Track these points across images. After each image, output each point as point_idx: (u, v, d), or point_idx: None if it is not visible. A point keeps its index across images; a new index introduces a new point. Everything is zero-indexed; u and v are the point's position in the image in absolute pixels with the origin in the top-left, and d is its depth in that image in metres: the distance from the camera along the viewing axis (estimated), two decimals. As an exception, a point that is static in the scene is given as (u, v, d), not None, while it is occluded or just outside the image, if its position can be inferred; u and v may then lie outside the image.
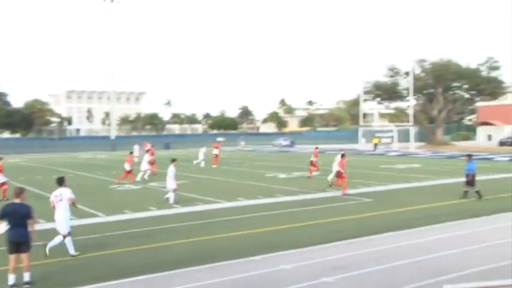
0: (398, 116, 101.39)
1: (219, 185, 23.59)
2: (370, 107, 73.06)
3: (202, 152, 36.21)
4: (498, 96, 62.84)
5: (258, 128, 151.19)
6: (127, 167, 24.93)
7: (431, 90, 64.76)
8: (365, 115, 70.48)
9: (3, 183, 19.51)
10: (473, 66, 62.75)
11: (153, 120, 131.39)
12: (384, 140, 64.05)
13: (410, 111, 62.84)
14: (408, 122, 63.36)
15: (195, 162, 35.95)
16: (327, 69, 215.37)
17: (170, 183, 17.61)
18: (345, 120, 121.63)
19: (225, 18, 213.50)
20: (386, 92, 65.23)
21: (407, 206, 16.71)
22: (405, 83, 64.63)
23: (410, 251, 10.60)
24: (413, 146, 58.23)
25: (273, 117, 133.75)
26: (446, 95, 64.62)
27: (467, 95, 64.99)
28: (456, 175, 26.75)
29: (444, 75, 60.41)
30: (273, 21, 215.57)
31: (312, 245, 11.29)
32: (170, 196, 17.59)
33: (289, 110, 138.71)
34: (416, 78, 63.06)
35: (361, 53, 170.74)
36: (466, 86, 63.06)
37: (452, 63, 62.10)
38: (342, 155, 21.41)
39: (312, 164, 27.43)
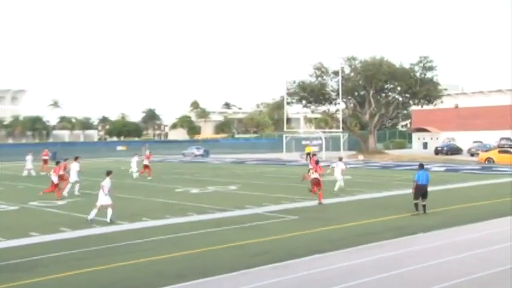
0: (327, 121, 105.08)
1: (120, 202, 22.93)
2: (295, 110, 75.05)
3: (134, 161, 37.35)
4: (433, 100, 66.53)
5: (166, 135, 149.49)
6: (55, 179, 24.67)
7: (362, 93, 67.59)
8: (289, 120, 72.41)
9: None
10: (406, 66, 66.21)
11: (36, 124, 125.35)
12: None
13: (340, 116, 65.16)
14: (337, 128, 65.72)
15: (134, 176, 36.44)
16: (246, 67, 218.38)
17: (104, 198, 17.64)
18: (267, 125, 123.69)
19: (124, 6, 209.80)
20: (313, 93, 67.08)
21: (336, 223, 17.24)
22: (334, 84, 66.95)
23: (340, 275, 10.91)
24: (343, 155, 60.31)
25: (184, 122, 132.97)
26: (379, 98, 67.73)
27: (400, 98, 68.52)
28: (390, 188, 28.09)
29: (375, 76, 63.17)
30: (185, 13, 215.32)
31: (228, 271, 11.27)
32: (108, 212, 17.62)
33: (203, 114, 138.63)
34: (346, 79, 65.51)
35: (285, 50, 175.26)
36: (399, 88, 66.41)
37: (384, 63, 64.99)
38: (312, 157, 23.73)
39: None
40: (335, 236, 15.11)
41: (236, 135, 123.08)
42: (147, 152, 39.83)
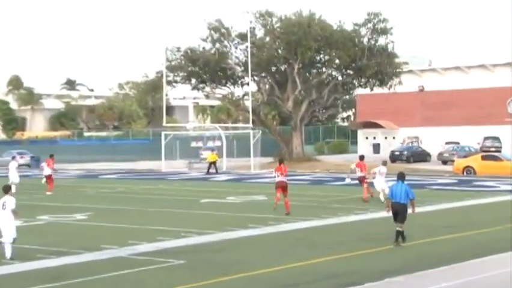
0: (229, 111, 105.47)
1: None
2: (180, 94, 74.59)
3: (13, 168, 39.98)
4: (388, 80, 68.23)
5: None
6: None
7: (283, 68, 68.45)
8: (171, 109, 71.54)
9: None
10: (348, 27, 67.55)
11: None
12: (205, 154, 65.66)
13: (249, 104, 65.57)
14: (246, 121, 66.18)
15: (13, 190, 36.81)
16: (101, 26, 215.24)
17: (12, 227, 19.12)
18: (136, 117, 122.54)
19: None
20: (208, 68, 67.13)
21: (242, 270, 17.38)
22: (240, 54, 67.34)
23: None
24: (255, 162, 60.77)
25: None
26: (308, 76, 68.77)
27: (340, 77, 70.05)
28: (325, 213, 28.71)
29: (302, 42, 63.92)
30: None
31: None
32: (7, 248, 19.03)
33: (30, 98, 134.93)
34: (258, 46, 66.02)
35: (163, 0, 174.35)
36: (338, 61, 67.70)
37: (315, 22, 65.89)
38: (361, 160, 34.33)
39: (363, 180, 33.50)
40: (239, 291, 15.25)
41: (86, 133, 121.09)
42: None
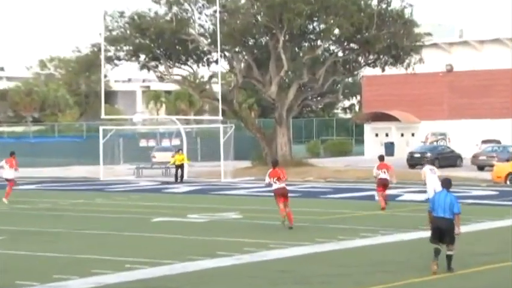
0: (191, 98, 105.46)
1: None
2: (125, 76, 74.15)
3: None
4: (405, 57, 68.36)
5: None
6: None
7: (264, 40, 68.59)
8: (112, 96, 70.49)
9: None
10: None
11: None
12: (158, 156, 65.63)
13: (218, 89, 65.54)
14: (214, 113, 66.06)
15: None
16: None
17: None
18: (64, 107, 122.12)
19: None
20: (162, 40, 67.12)
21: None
22: (206, 22, 67.40)
23: None
24: (226, 168, 60.63)
25: None
26: (297, 52, 68.94)
27: (340, 52, 70.28)
28: (322, 236, 28.66)
29: (289, 6, 63.85)
30: None
31: None
32: None
33: None
34: (231, 11, 65.92)
35: None
36: (337, 32, 67.81)
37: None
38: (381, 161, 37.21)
39: (383, 185, 36.51)
40: None
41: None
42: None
